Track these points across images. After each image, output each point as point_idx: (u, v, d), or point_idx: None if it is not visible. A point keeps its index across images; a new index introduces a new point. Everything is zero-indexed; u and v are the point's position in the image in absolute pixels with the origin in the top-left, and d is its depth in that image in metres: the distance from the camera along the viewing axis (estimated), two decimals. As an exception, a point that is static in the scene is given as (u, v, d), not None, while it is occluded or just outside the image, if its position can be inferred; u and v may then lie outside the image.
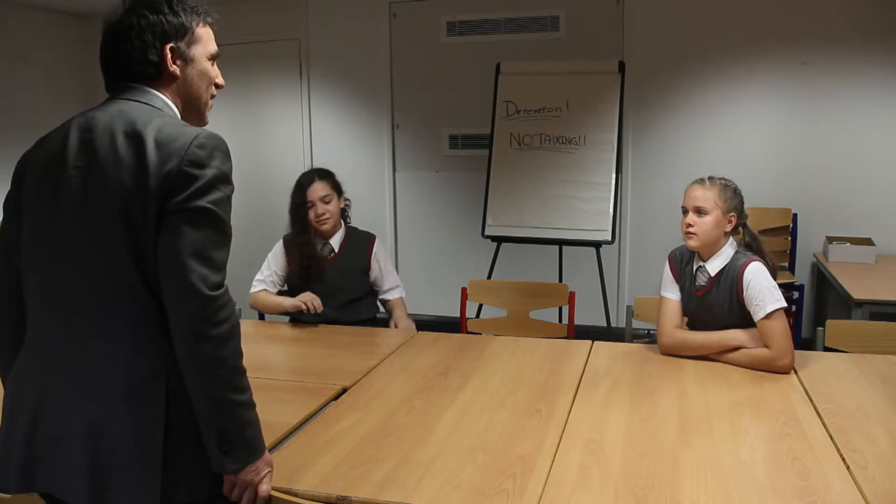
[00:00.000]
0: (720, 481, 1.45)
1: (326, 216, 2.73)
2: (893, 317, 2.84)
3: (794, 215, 4.38)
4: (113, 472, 1.27)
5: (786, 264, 4.35)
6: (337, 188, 2.81)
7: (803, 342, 4.17)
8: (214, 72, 1.46)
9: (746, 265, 2.17)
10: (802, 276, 4.42)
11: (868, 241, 4.08)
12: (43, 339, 1.35)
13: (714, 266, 2.24)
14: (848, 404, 1.85)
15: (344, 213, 2.88)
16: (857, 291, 3.25)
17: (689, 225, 2.20)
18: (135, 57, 1.35)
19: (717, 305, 2.23)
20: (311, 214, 2.74)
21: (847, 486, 1.42)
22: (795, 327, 4.14)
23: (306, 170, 2.88)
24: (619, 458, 1.56)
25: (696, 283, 2.28)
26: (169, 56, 1.37)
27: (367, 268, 2.82)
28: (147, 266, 1.27)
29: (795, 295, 4.08)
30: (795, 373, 2.09)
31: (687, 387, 1.99)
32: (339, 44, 5.19)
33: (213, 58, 1.45)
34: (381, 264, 2.84)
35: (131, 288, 1.28)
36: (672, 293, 2.33)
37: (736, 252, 2.24)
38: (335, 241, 2.81)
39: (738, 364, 2.14)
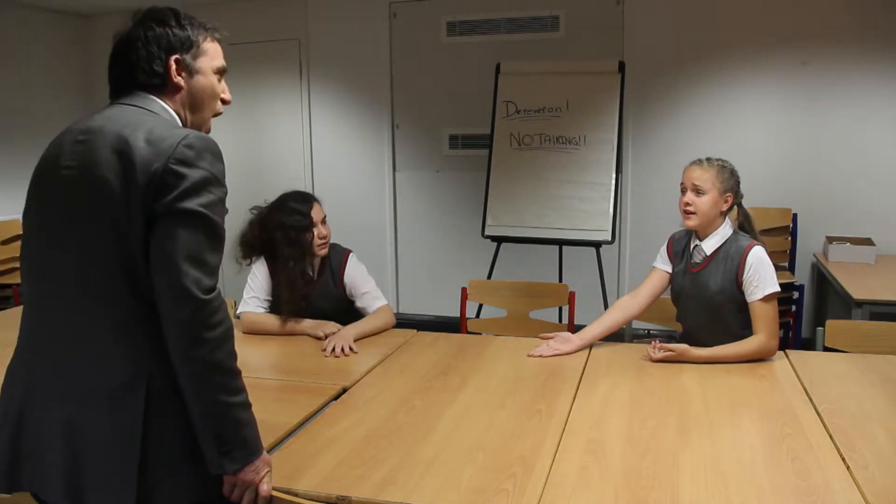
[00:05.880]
0: (720, 481, 1.45)
1: (327, 240, 2.61)
2: (893, 317, 2.85)
3: (794, 215, 4.38)
4: (88, 473, 1.28)
5: (786, 264, 4.35)
6: None
7: (803, 342, 4.18)
8: (221, 87, 1.48)
9: (750, 248, 2.22)
10: (802, 276, 4.42)
11: (868, 241, 4.09)
12: (30, 339, 1.36)
13: (710, 245, 2.29)
14: (848, 404, 1.84)
15: None
16: (857, 291, 3.25)
17: (688, 204, 2.27)
18: (140, 66, 1.37)
19: (710, 283, 2.28)
20: (314, 237, 2.57)
21: (847, 486, 1.42)
22: (795, 327, 4.14)
23: (291, 192, 2.64)
24: (619, 458, 1.56)
25: (692, 261, 2.34)
26: (173, 67, 1.39)
27: (343, 288, 2.69)
28: (133, 267, 1.27)
29: (795, 295, 4.08)
30: (795, 373, 2.09)
31: (687, 387, 1.99)
32: (339, 44, 5.19)
33: (219, 72, 1.47)
34: (353, 281, 2.67)
35: (114, 288, 1.28)
36: (659, 264, 2.46)
37: (734, 233, 2.30)
38: (314, 265, 2.67)
39: (727, 360, 2.15)
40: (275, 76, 5.36)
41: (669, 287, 2.45)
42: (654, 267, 2.47)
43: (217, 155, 1.33)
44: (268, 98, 5.41)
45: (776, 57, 4.37)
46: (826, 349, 2.46)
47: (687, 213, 2.28)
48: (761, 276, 2.19)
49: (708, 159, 2.32)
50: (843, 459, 1.53)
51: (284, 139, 5.43)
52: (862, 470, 1.48)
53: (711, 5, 4.43)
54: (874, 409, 1.81)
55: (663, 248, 2.47)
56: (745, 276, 2.21)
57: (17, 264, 4.88)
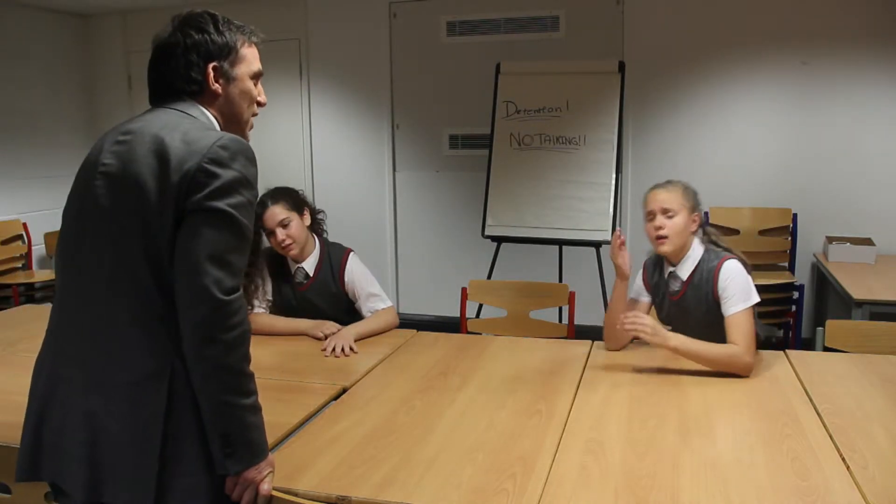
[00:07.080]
0: (720, 481, 1.45)
1: (288, 241, 2.51)
2: (893, 317, 2.84)
3: (794, 215, 4.38)
4: (107, 468, 1.29)
5: (786, 264, 4.35)
6: (297, 206, 2.56)
7: (803, 342, 4.18)
8: (257, 90, 1.50)
9: (722, 263, 2.16)
10: (802, 276, 4.42)
11: (868, 241, 4.09)
12: (58, 331, 1.38)
13: (685, 269, 2.23)
14: (848, 404, 1.84)
15: (316, 228, 2.67)
16: (857, 291, 3.25)
17: (659, 228, 2.17)
18: (179, 74, 1.39)
19: (694, 308, 2.22)
20: (273, 242, 2.53)
21: (847, 486, 1.42)
22: (795, 327, 4.14)
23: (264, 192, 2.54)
24: (619, 458, 1.56)
25: (670, 289, 2.28)
26: (211, 75, 1.41)
27: (343, 287, 2.66)
28: (160, 263, 1.28)
29: (795, 295, 4.08)
30: (795, 373, 2.09)
31: (687, 387, 1.99)
32: (339, 44, 5.19)
33: (255, 76, 1.49)
34: (355, 284, 2.63)
35: (140, 284, 1.29)
36: (640, 296, 2.37)
37: (706, 251, 2.23)
38: (310, 265, 2.62)
39: (698, 360, 2.07)
40: (275, 76, 5.36)
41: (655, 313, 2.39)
42: (632, 299, 2.36)
43: (251, 159, 1.35)
44: (268, 98, 5.40)
45: (776, 57, 4.37)
46: (826, 349, 2.46)
47: (660, 238, 2.17)
48: (731, 291, 2.11)
49: (669, 181, 2.24)
50: (843, 459, 1.53)
51: (284, 139, 5.43)
52: (862, 470, 1.48)
53: (711, 5, 4.44)
54: (874, 409, 1.81)
55: (639, 279, 2.38)
56: (718, 288, 2.14)
57: (18, 264, 4.91)
